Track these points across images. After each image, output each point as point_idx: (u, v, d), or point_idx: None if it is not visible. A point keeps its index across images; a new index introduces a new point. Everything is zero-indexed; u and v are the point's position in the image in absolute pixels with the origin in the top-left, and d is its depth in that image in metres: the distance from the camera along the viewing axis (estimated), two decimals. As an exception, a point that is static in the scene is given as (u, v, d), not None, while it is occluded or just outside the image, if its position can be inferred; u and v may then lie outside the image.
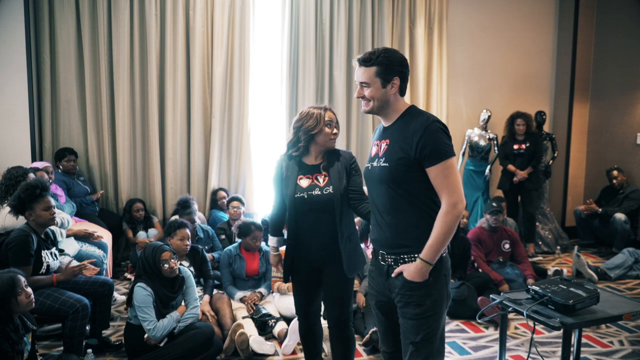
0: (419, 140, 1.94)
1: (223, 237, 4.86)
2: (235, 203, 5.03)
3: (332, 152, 2.67)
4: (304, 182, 2.61)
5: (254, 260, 4.00)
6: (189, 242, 3.69)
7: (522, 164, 5.70)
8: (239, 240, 4.07)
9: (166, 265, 3.08)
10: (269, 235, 2.87)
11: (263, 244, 4.20)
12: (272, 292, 3.96)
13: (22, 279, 2.51)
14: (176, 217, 5.04)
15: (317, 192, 2.59)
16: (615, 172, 5.85)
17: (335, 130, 2.64)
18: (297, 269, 2.70)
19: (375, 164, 2.07)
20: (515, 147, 5.72)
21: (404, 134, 2.00)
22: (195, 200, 5.06)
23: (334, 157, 2.66)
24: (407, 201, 2.00)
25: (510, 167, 5.72)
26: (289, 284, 3.85)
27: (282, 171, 2.69)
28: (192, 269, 3.79)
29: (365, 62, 2.02)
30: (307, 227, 2.62)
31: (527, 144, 5.71)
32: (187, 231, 3.69)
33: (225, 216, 5.20)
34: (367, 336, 3.39)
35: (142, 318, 3.00)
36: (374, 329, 3.42)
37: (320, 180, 2.62)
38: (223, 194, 5.33)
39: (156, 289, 3.06)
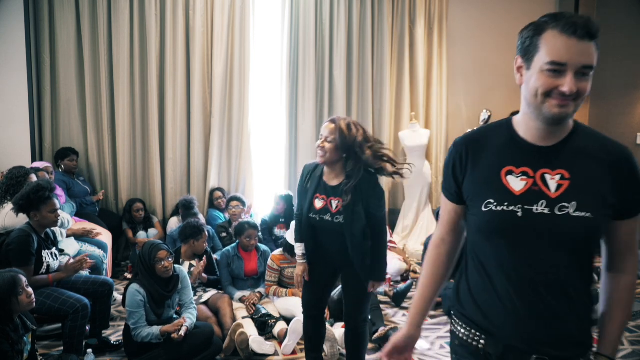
0: (627, 180, 1.29)
1: (224, 234, 4.85)
2: (234, 203, 5.01)
3: (354, 173, 2.52)
4: (318, 204, 2.60)
5: (252, 260, 4.01)
6: (206, 244, 3.90)
7: None
8: (237, 240, 4.10)
9: (160, 265, 3.08)
10: (295, 242, 2.82)
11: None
12: (268, 296, 3.95)
13: (23, 278, 2.52)
14: (176, 218, 5.05)
15: (328, 217, 2.57)
16: None
17: (324, 145, 2.53)
18: (314, 269, 2.72)
19: (539, 209, 1.29)
20: None
21: (597, 165, 1.30)
22: (196, 202, 5.06)
23: (354, 181, 2.51)
24: (581, 271, 1.33)
25: None
26: (287, 289, 3.85)
27: (305, 180, 2.69)
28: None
29: (594, 31, 1.25)
30: (323, 237, 2.66)
31: None
32: (207, 234, 3.90)
33: (221, 215, 5.19)
34: (382, 331, 3.41)
35: (130, 320, 3.02)
36: (392, 326, 3.46)
37: (334, 205, 2.57)
38: (219, 194, 5.31)
39: (150, 288, 3.06)
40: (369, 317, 3.53)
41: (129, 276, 4.70)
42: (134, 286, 3.05)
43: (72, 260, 3.22)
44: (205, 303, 3.73)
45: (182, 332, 2.99)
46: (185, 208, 4.89)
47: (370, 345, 3.46)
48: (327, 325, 3.32)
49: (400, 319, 4.01)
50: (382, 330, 3.42)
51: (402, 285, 4.33)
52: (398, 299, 4.22)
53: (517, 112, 1.43)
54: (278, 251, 3.94)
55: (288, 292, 3.83)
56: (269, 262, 3.91)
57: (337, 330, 3.40)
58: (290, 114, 5.62)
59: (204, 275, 3.79)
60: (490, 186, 1.35)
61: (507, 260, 1.34)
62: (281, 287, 3.88)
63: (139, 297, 3.02)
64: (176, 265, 3.26)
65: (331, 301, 3.72)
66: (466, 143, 1.42)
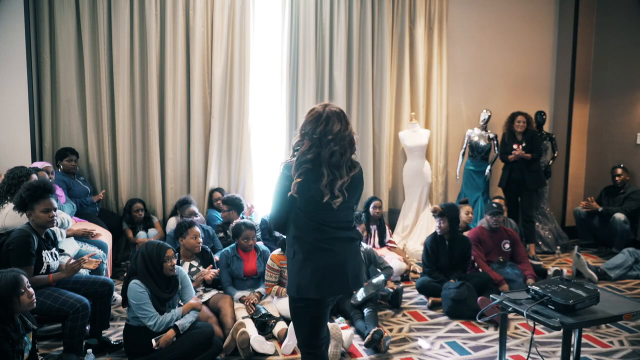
0: None
1: (221, 235, 4.85)
2: (224, 207, 4.95)
3: None
4: None
5: (251, 260, 4.00)
6: (200, 240, 3.80)
7: (522, 164, 5.65)
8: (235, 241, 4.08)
9: (169, 263, 3.10)
10: None
11: (261, 243, 4.19)
12: (268, 296, 3.94)
13: (25, 278, 2.52)
14: (174, 218, 5.04)
15: None
16: (619, 170, 5.84)
17: None
18: None
19: None
20: (515, 146, 5.67)
21: None
22: (194, 200, 5.05)
23: None
24: None
25: (512, 157, 5.64)
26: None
27: None
28: (201, 268, 3.84)
29: None
30: None
31: (525, 144, 5.65)
32: (198, 229, 3.79)
33: (220, 215, 5.18)
34: (369, 336, 3.39)
35: (141, 315, 3.00)
36: (375, 329, 3.43)
37: None
38: (218, 194, 5.31)
39: (151, 288, 3.06)
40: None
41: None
42: (135, 282, 3.03)
43: (72, 260, 3.22)
44: (206, 303, 3.73)
45: (161, 342, 2.99)
46: (181, 204, 4.89)
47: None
48: (334, 323, 3.36)
49: (399, 319, 4.01)
50: (368, 336, 3.41)
51: (390, 291, 4.27)
52: (394, 302, 4.21)
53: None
54: (277, 251, 3.94)
55: None
56: (269, 262, 3.90)
57: (345, 332, 3.40)
58: (290, 114, 5.62)
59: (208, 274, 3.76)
60: None
61: None
62: (283, 287, 3.87)
63: (141, 289, 3.01)
64: (176, 266, 3.26)
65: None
66: None
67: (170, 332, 3.02)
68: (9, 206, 3.41)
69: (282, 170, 2.30)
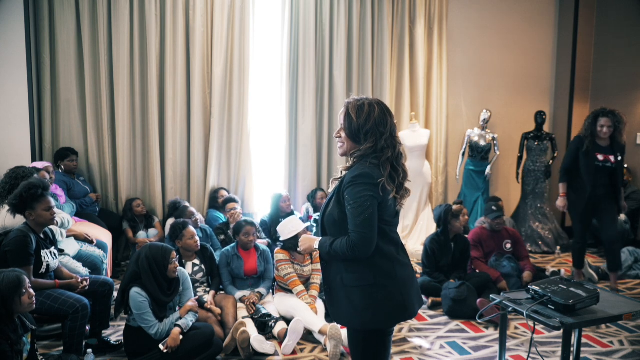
0: None
1: (222, 237, 4.85)
2: (231, 205, 4.97)
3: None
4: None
5: (251, 260, 4.00)
6: (197, 238, 3.78)
7: (605, 183, 4.34)
8: (236, 240, 4.07)
9: (173, 264, 3.11)
10: None
11: (262, 244, 4.18)
12: (268, 295, 3.91)
13: (27, 280, 2.52)
14: (171, 220, 5.03)
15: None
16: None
17: (339, 134, 2.07)
18: None
19: None
20: (601, 157, 4.33)
21: None
22: (185, 202, 5.02)
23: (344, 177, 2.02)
24: None
25: (560, 201, 4.57)
26: (309, 303, 3.71)
27: None
28: (203, 266, 3.83)
29: None
30: None
31: (619, 157, 4.30)
32: (192, 228, 3.78)
33: (222, 215, 5.18)
34: None
35: (143, 325, 3.01)
36: None
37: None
38: (224, 193, 5.31)
39: (153, 291, 3.05)
40: None
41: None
42: (135, 290, 3.03)
43: (74, 264, 3.24)
44: (202, 305, 3.71)
45: (170, 342, 2.99)
46: (173, 209, 4.88)
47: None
48: (334, 323, 3.30)
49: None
50: None
51: None
52: None
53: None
54: (278, 248, 3.94)
55: (310, 305, 3.65)
56: (279, 256, 3.83)
57: (345, 332, 3.39)
58: (290, 114, 5.62)
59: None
60: None
61: None
62: (307, 291, 3.77)
63: (142, 297, 3.01)
64: (178, 268, 3.25)
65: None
66: None
67: (176, 331, 3.02)
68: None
69: (361, 178, 1.91)
